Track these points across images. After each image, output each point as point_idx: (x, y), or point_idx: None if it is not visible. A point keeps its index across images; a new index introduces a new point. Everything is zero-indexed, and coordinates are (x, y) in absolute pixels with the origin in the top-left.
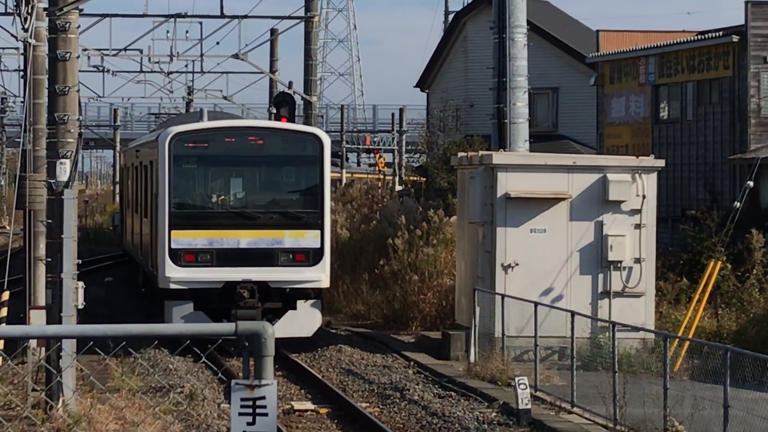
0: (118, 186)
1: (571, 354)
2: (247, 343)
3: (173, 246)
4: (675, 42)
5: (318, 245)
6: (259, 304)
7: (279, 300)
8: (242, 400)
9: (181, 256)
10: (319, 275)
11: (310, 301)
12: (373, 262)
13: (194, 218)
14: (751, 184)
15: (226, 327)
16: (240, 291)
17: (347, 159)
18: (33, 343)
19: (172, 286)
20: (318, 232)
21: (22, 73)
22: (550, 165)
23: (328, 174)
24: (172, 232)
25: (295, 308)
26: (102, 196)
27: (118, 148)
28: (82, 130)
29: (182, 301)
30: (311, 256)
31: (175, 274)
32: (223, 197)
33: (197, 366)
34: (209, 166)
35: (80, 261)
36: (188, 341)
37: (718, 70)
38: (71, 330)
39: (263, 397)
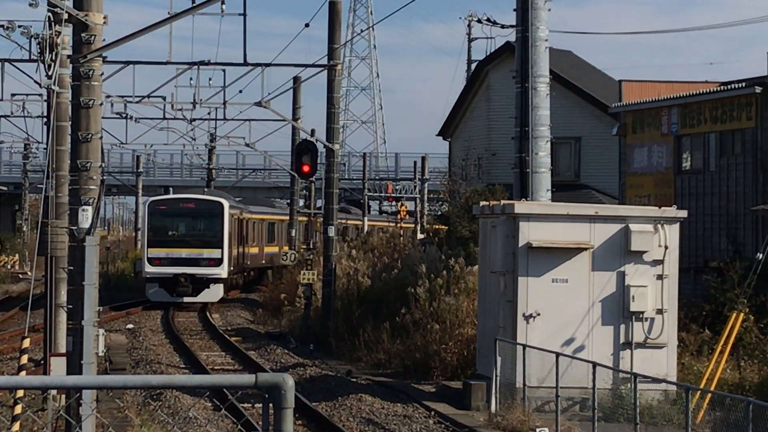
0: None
1: (592, 405)
2: (266, 395)
3: (149, 256)
4: (698, 92)
5: (220, 256)
6: (190, 285)
7: (201, 284)
8: None
9: (153, 261)
10: (221, 271)
11: (217, 284)
12: (395, 311)
13: (160, 242)
14: None
15: (245, 378)
16: (180, 279)
17: (369, 207)
18: (53, 391)
19: (148, 275)
20: (220, 249)
21: (45, 119)
22: (572, 215)
23: (227, 220)
24: (149, 249)
25: (209, 288)
26: (124, 243)
27: (140, 195)
28: (104, 177)
29: (153, 283)
30: (217, 262)
31: (150, 269)
32: (174, 232)
33: (217, 415)
34: (167, 217)
35: (101, 308)
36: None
37: (740, 121)
38: (91, 381)
39: None
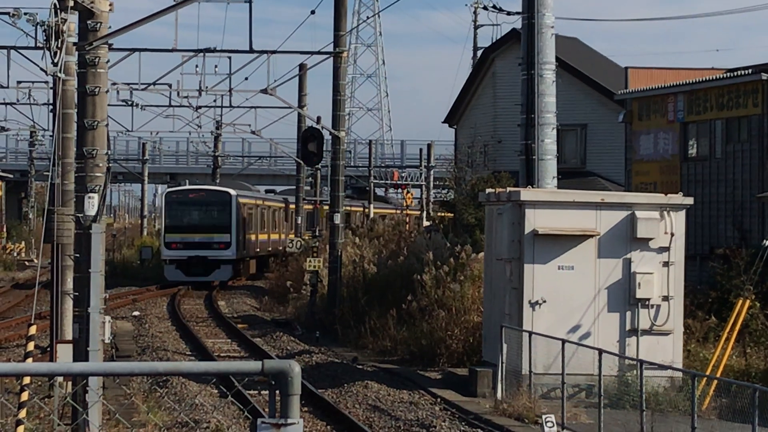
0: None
1: (598, 392)
2: (273, 382)
3: (166, 240)
4: (704, 79)
5: (229, 240)
6: (203, 267)
7: (212, 265)
8: None
9: (170, 245)
10: (230, 253)
11: (227, 265)
12: (400, 298)
13: (176, 228)
14: None
15: (252, 365)
16: (194, 261)
17: (374, 194)
18: (59, 377)
19: (166, 258)
20: (229, 234)
21: (51, 107)
22: (578, 202)
23: (235, 208)
24: (166, 234)
25: (219, 268)
26: (130, 230)
27: (146, 182)
28: (110, 165)
29: (171, 265)
30: (226, 245)
31: (167, 253)
32: (188, 219)
33: (224, 401)
34: (182, 205)
35: (107, 295)
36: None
37: (747, 108)
38: (98, 368)
39: None
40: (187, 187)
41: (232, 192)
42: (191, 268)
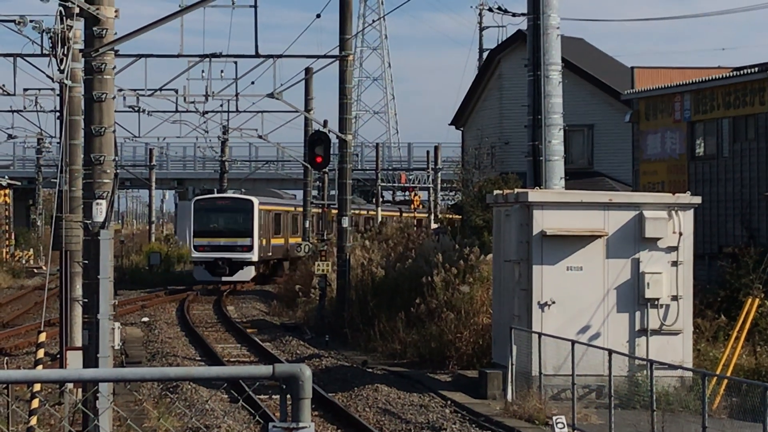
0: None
1: (608, 392)
2: (284, 386)
3: (195, 244)
4: (710, 78)
5: (250, 243)
6: (227, 267)
7: (236, 266)
8: None
9: (198, 248)
10: (252, 256)
11: (249, 266)
12: (409, 301)
13: (203, 232)
14: None
15: (263, 369)
16: (219, 262)
17: (382, 197)
18: (69, 384)
19: (194, 259)
20: (250, 238)
21: (58, 114)
22: (586, 202)
23: (256, 214)
24: (195, 238)
25: (242, 269)
26: (138, 236)
27: (153, 188)
28: (118, 171)
29: (200, 266)
30: (248, 248)
31: (196, 254)
32: (214, 225)
33: (234, 407)
34: (209, 212)
35: (116, 301)
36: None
37: (754, 106)
38: (109, 373)
39: None
40: (214, 195)
41: (254, 200)
42: (217, 269)
